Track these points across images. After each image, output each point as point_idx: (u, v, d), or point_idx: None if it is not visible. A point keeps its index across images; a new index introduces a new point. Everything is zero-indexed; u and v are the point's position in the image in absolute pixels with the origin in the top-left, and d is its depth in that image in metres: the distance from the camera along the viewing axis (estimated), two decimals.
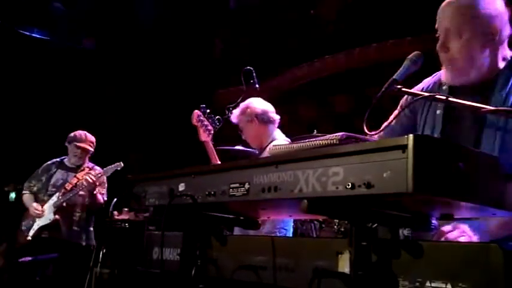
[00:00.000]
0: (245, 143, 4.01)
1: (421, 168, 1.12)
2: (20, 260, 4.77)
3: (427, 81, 2.23)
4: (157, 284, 2.00)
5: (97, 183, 5.13)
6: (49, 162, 5.43)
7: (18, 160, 5.77)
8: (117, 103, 7.44)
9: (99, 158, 5.58)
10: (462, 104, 1.76)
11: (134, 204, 2.01)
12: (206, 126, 3.74)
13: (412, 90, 2.04)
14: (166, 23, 7.25)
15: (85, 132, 5.41)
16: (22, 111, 6.80)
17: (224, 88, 7.16)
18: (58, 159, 5.43)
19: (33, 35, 6.83)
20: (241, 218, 1.87)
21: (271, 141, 3.64)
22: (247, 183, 1.49)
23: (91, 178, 5.00)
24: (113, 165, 5.25)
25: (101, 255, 5.13)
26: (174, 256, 1.95)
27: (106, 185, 5.35)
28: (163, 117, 7.55)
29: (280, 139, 3.69)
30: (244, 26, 7.35)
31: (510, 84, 1.96)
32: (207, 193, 1.62)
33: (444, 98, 1.80)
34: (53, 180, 5.23)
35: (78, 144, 5.29)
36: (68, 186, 5.09)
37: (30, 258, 4.73)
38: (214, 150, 3.71)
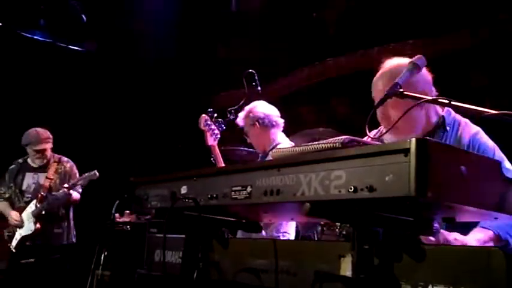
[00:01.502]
0: (250, 147, 4.01)
1: (423, 172, 1.12)
2: (22, 261, 4.77)
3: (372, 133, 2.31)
4: (158, 286, 2.00)
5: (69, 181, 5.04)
6: (12, 165, 5.25)
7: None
8: (118, 106, 7.44)
9: (101, 160, 5.58)
10: (465, 108, 1.76)
11: (136, 207, 2.01)
12: (213, 130, 3.74)
13: (413, 94, 2.04)
14: (168, 26, 7.26)
15: (36, 129, 5.14)
16: (23, 112, 6.80)
17: (226, 91, 7.18)
18: (20, 160, 5.25)
19: (35, 37, 6.84)
20: (244, 221, 1.88)
21: (275, 145, 3.64)
22: (249, 187, 1.50)
23: (64, 191, 4.91)
24: (87, 174, 5.05)
25: (102, 258, 5.13)
26: (175, 259, 1.96)
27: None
28: (165, 120, 7.56)
29: (284, 143, 3.68)
30: (245, 28, 7.36)
31: (443, 141, 2.17)
32: (209, 196, 1.62)
33: (447, 102, 1.80)
34: (25, 186, 5.11)
35: (34, 148, 5.09)
36: (44, 192, 4.97)
37: (32, 260, 4.73)
38: (220, 155, 3.71)
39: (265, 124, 3.72)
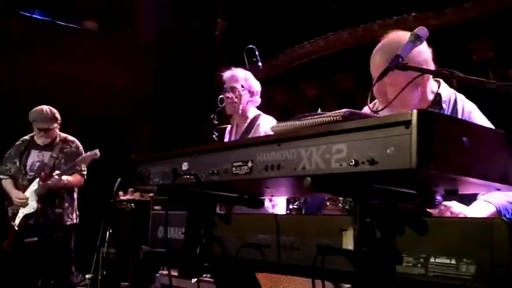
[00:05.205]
0: None
1: (425, 144, 1.11)
2: (26, 240, 4.80)
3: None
4: (162, 262, 2.02)
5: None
6: (18, 142, 5.18)
7: None
8: (121, 83, 7.43)
9: (104, 138, 5.59)
10: (467, 79, 1.74)
11: (138, 184, 2.02)
12: None
13: (416, 66, 2.02)
14: (167, 3, 7.19)
15: (42, 107, 5.03)
16: (24, 91, 6.80)
17: (226, 67, 7.13)
18: (27, 137, 5.17)
19: (34, 15, 6.78)
20: (245, 196, 1.88)
21: (256, 117, 3.81)
22: (250, 162, 1.49)
23: (56, 178, 4.86)
24: (89, 153, 5.00)
25: (107, 235, 5.17)
26: (179, 235, 1.96)
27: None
28: (167, 97, 7.55)
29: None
30: (246, 4, 7.28)
31: None
32: (210, 172, 1.62)
33: (447, 73, 1.78)
34: (29, 163, 5.03)
35: (38, 126, 5.01)
36: (48, 171, 4.93)
37: (35, 239, 4.75)
38: None
39: (255, 99, 3.88)
